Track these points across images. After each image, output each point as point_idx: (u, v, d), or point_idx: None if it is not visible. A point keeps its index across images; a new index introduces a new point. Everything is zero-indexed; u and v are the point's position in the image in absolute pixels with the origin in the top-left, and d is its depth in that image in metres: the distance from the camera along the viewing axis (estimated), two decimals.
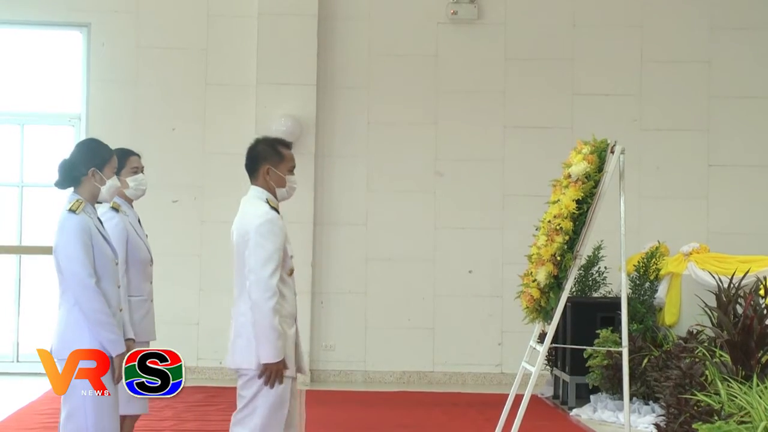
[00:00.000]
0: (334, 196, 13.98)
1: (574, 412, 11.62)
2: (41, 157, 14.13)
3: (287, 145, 6.68)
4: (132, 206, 7.67)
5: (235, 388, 6.50)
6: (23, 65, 14.25)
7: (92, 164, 6.38)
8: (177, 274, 13.56)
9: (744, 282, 8.74)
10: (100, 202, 6.72)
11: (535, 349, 9.17)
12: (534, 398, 10.94)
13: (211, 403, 11.56)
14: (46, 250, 13.75)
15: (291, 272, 6.50)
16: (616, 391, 11.28)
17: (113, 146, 6.64)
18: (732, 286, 8.61)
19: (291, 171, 6.62)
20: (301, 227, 13.68)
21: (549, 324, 8.74)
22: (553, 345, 10.23)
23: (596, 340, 11.42)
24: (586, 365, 11.59)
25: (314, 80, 13.80)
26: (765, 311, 8.25)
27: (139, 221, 7.64)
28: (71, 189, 6.41)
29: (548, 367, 12.58)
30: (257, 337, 6.28)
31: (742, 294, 8.53)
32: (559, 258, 8.57)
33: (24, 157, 14.12)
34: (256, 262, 6.30)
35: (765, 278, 9.03)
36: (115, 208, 7.30)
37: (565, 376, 12.07)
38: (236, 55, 13.97)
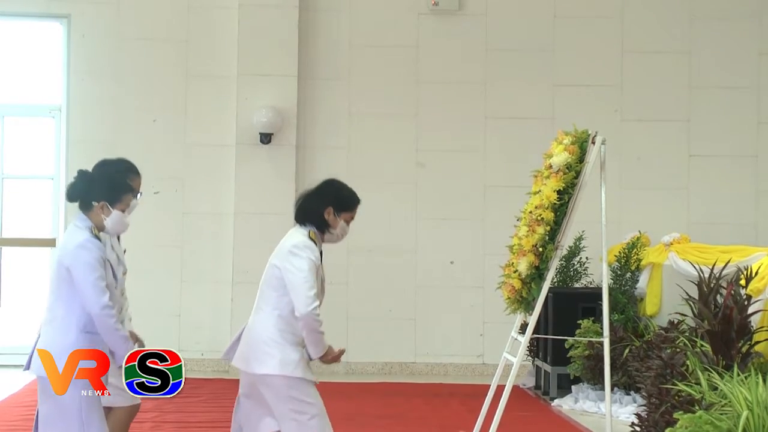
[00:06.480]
0: None
1: (556, 402, 11.65)
2: (22, 149, 14.08)
3: None
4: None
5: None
6: (3, 57, 14.18)
7: (104, 198, 6.33)
8: (158, 266, 13.55)
9: (724, 272, 8.77)
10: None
11: (516, 339, 9.19)
12: (515, 389, 10.97)
13: (193, 395, 11.53)
14: (26, 242, 13.82)
15: None
16: (597, 381, 11.31)
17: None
18: (712, 276, 8.63)
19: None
20: (282, 219, 13.65)
21: (530, 315, 8.76)
22: (535, 335, 10.25)
23: (577, 331, 11.45)
24: (568, 356, 11.62)
25: (295, 71, 13.79)
26: (745, 301, 8.29)
27: (118, 239, 7.44)
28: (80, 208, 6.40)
29: (530, 357, 12.60)
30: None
31: (722, 284, 8.56)
32: (540, 249, 8.60)
33: (4, 149, 14.06)
34: None
35: (745, 268, 9.06)
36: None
37: (547, 367, 12.10)
38: (217, 46, 13.94)
